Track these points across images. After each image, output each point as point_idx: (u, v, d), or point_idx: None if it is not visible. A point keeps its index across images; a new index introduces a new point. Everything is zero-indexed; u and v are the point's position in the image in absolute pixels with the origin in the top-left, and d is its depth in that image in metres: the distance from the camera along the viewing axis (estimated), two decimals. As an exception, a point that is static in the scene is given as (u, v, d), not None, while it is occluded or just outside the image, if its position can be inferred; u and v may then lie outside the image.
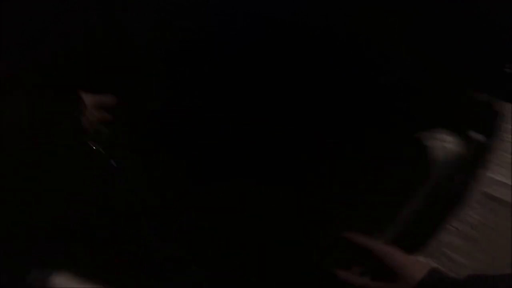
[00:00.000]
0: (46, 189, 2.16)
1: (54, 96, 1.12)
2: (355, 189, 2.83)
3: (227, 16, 3.13)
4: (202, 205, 2.83)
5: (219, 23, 3.12)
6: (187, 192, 2.93)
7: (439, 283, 0.87)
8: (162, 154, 2.96)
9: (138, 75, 2.93)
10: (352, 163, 3.03)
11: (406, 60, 3.35)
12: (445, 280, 0.88)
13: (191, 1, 3.11)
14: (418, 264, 0.94)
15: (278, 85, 3.11)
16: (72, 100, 1.24)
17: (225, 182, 3.00)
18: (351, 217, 2.53)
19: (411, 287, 0.93)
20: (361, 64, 3.23)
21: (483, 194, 3.13)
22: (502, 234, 2.66)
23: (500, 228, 2.74)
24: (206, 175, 3.05)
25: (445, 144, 2.63)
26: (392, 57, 3.30)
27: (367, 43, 3.14)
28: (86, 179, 2.12)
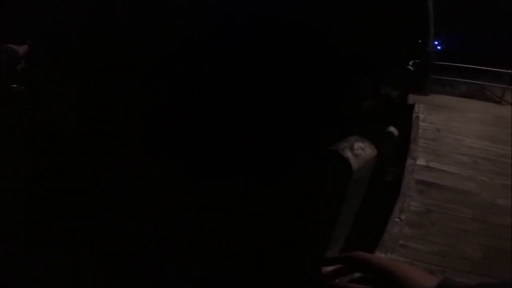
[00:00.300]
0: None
1: None
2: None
3: (227, 16, 3.03)
4: (202, 204, 2.60)
5: (219, 23, 3.02)
6: (187, 191, 2.68)
7: None
8: (162, 153, 2.72)
9: (138, 75, 2.72)
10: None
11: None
12: None
13: (191, 1, 2.97)
14: (426, 276, 0.81)
15: (275, 85, 3.05)
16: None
17: (225, 182, 2.77)
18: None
19: None
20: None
21: (417, 182, 3.20)
22: (446, 215, 2.70)
23: (441, 210, 2.79)
24: (206, 174, 2.83)
25: (356, 151, 2.66)
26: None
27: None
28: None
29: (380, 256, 0.88)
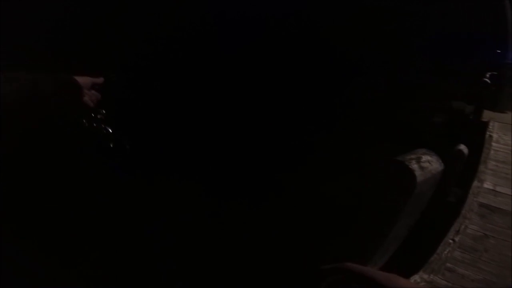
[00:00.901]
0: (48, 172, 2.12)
1: (47, 80, 1.15)
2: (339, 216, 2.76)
3: (227, 17, 3.18)
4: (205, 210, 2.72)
5: (219, 24, 3.17)
6: (189, 193, 2.82)
7: None
8: (162, 154, 2.87)
9: (138, 75, 2.92)
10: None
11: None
12: None
13: (191, 2, 3.15)
14: None
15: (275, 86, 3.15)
16: (65, 84, 1.28)
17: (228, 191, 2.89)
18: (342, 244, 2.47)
19: None
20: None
21: (480, 205, 3.10)
22: (503, 243, 2.60)
23: (501, 237, 2.69)
24: (209, 178, 2.95)
25: (422, 164, 2.61)
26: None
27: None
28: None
29: (370, 268, 0.95)
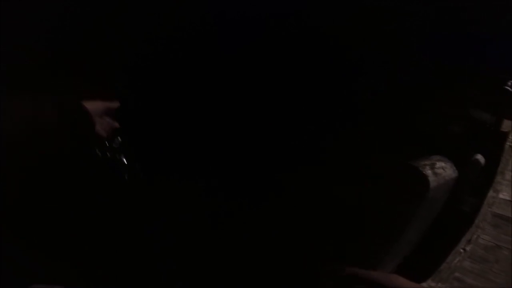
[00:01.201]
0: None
1: (50, 109, 0.98)
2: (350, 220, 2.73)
3: (227, 17, 3.19)
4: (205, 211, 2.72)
5: (219, 24, 3.17)
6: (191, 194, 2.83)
7: None
8: (163, 155, 2.88)
9: (138, 76, 2.94)
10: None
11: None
12: None
13: (192, 2, 3.15)
14: None
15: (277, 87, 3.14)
16: (72, 112, 1.08)
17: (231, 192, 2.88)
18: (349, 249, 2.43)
19: None
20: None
21: (494, 215, 3.01)
22: (516, 255, 2.53)
23: (513, 248, 2.61)
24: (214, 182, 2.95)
25: (436, 170, 2.57)
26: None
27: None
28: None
29: (370, 271, 0.94)
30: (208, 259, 2.44)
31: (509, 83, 4.67)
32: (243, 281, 2.34)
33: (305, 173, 2.94)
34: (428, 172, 2.73)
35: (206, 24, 2.93)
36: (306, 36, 3.21)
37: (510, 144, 4.40)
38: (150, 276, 2.22)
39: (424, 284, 2.24)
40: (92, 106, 1.08)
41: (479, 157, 3.90)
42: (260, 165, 3.00)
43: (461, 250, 2.70)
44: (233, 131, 3.06)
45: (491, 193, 3.44)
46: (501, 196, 3.38)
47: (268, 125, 3.09)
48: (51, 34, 2.19)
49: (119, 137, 1.27)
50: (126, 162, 1.32)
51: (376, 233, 2.75)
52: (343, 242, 2.54)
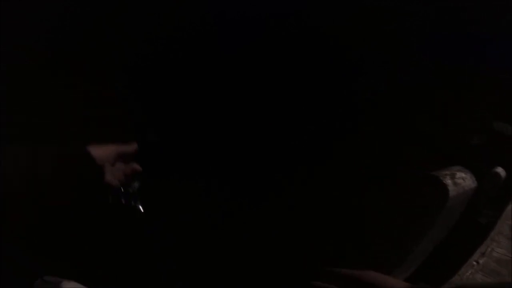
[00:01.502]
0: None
1: (55, 160, 0.89)
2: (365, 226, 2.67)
3: (226, 17, 3.23)
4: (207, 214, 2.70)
5: (219, 24, 3.20)
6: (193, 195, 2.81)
7: None
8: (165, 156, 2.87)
9: (138, 79, 2.97)
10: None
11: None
12: None
13: (192, 2, 3.20)
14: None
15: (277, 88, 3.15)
16: (75, 161, 0.97)
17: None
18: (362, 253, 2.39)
19: None
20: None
21: (511, 229, 2.90)
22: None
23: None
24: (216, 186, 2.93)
25: (456, 180, 2.53)
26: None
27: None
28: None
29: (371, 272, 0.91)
30: (208, 259, 2.42)
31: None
32: (243, 281, 2.31)
33: (305, 173, 2.93)
34: (448, 181, 2.70)
35: (206, 24, 2.98)
36: (306, 36, 3.25)
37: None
38: (150, 276, 2.21)
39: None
40: (102, 152, 0.98)
41: (500, 170, 3.79)
42: (260, 165, 3.00)
43: (474, 263, 2.60)
44: (233, 131, 3.07)
45: (509, 207, 3.33)
46: (519, 210, 3.26)
47: (268, 125, 3.10)
48: (51, 34, 2.25)
49: (136, 182, 1.17)
50: (141, 209, 1.21)
51: (391, 238, 2.70)
52: (343, 243, 2.48)
